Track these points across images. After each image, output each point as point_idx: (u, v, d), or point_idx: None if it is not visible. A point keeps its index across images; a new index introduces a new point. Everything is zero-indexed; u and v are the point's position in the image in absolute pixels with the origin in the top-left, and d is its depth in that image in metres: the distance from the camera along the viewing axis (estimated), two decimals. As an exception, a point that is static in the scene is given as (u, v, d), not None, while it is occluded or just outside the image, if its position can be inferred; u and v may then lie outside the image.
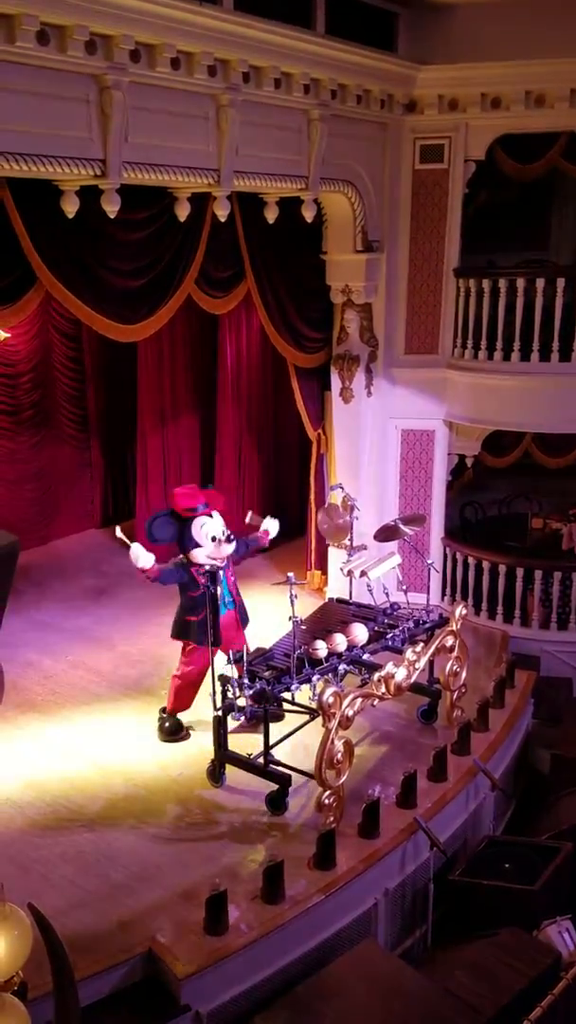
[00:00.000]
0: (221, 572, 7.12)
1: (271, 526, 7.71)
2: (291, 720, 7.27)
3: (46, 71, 5.76)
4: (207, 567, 7.00)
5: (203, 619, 6.95)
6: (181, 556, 7.22)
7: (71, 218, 6.48)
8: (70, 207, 6.41)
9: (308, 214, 8.38)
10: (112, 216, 6.63)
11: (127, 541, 7.07)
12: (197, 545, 7.11)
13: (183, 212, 7.35)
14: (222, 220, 7.66)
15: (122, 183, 6.50)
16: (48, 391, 11.30)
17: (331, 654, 6.84)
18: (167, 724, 7.50)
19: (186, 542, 7.15)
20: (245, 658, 6.72)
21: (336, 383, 9.68)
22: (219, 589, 7.11)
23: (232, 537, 7.18)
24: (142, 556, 7.03)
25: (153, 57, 6.24)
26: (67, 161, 6.08)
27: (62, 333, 11.17)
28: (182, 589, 7.27)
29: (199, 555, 7.10)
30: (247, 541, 7.58)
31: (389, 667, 6.93)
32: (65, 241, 6.84)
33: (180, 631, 7.32)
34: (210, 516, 7.18)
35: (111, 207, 6.54)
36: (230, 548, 7.21)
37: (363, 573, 7.94)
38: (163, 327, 8.14)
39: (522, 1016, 4.61)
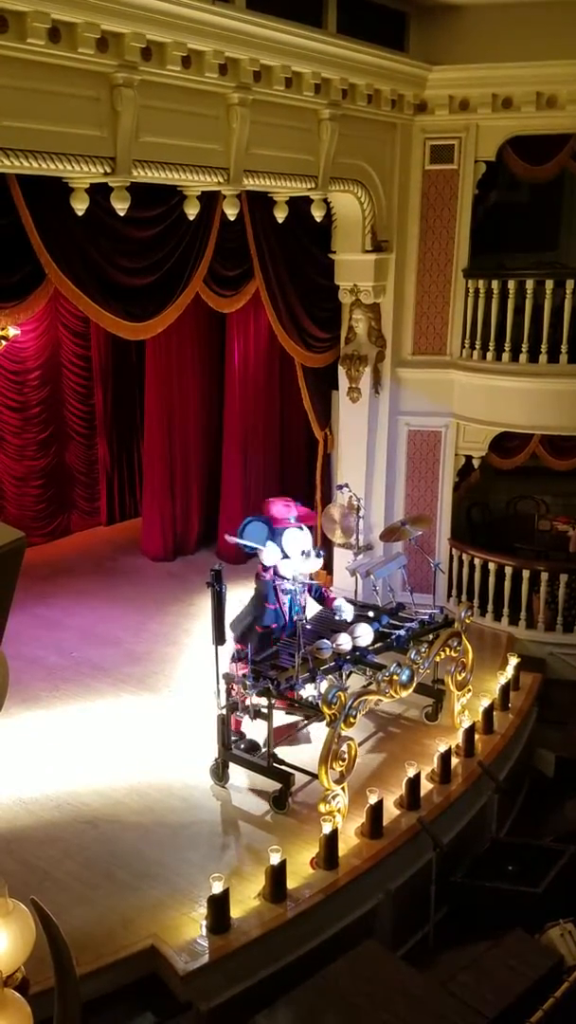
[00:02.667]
0: (294, 589, 7.22)
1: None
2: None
3: (57, 69, 5.77)
4: (288, 584, 7.15)
5: (266, 632, 7.14)
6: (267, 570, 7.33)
7: (81, 215, 6.49)
8: (80, 205, 6.42)
9: (318, 213, 8.37)
10: (122, 214, 6.65)
11: (251, 544, 7.21)
12: (286, 556, 7.21)
13: (193, 210, 7.36)
14: (231, 219, 7.66)
15: (132, 181, 6.51)
16: (56, 388, 11.32)
17: (336, 654, 6.83)
18: (241, 745, 7.08)
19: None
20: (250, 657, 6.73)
21: (343, 383, 9.67)
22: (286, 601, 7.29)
23: (321, 554, 7.37)
24: (271, 555, 7.14)
25: (164, 55, 6.25)
26: (77, 159, 6.09)
27: (70, 330, 11.20)
28: (257, 597, 7.33)
29: (286, 568, 7.20)
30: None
31: (393, 667, 6.93)
32: (74, 238, 6.86)
33: (243, 637, 7.27)
34: (300, 529, 7.29)
35: (121, 205, 6.55)
36: (317, 564, 7.34)
37: (369, 573, 7.94)
38: (171, 325, 8.15)
39: (524, 1018, 4.60)
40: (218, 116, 7.00)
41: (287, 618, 7.30)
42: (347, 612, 7.36)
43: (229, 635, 7.03)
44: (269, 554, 7.13)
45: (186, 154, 6.87)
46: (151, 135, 6.51)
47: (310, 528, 7.44)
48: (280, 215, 8.16)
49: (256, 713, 6.66)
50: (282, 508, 7.34)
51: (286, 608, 7.31)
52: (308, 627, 6.99)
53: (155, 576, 10.77)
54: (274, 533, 7.27)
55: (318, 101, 7.71)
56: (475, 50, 8.65)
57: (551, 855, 6.49)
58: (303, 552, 7.23)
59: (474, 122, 9.05)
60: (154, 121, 6.49)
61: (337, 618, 7.34)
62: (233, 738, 6.84)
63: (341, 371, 9.65)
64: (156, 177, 6.71)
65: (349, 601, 8.15)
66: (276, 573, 7.25)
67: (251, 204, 8.14)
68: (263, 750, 6.72)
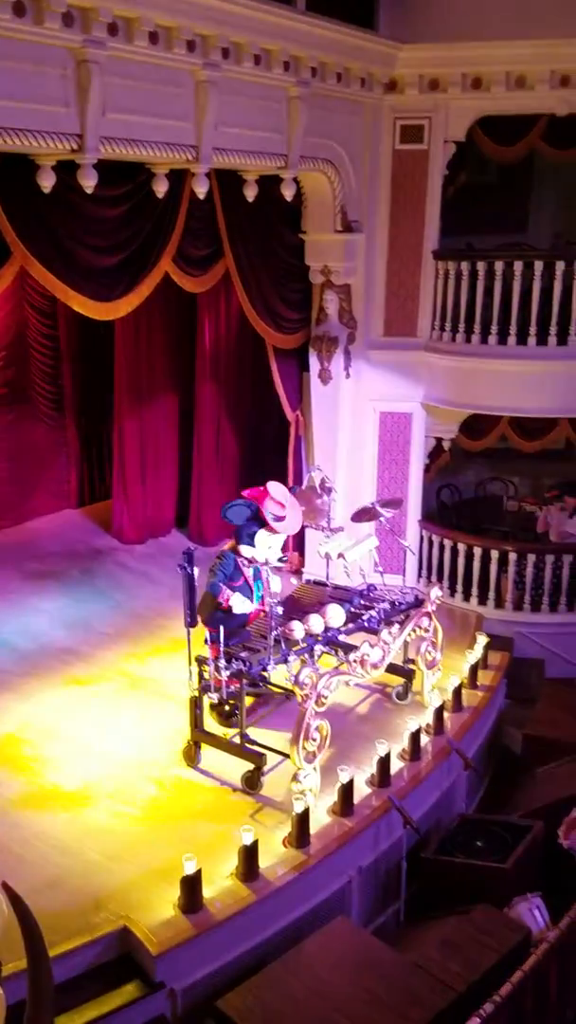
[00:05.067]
0: (263, 570, 7.34)
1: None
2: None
3: (22, 44, 5.65)
4: (249, 562, 7.32)
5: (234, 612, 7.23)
6: (229, 543, 7.49)
7: (47, 193, 6.39)
8: (46, 182, 6.33)
9: (287, 193, 8.32)
10: (89, 192, 6.56)
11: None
12: (251, 544, 7.35)
13: (161, 189, 7.28)
14: (201, 197, 7.59)
15: (99, 158, 6.42)
16: (23, 369, 11.16)
17: (308, 635, 6.87)
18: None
19: (243, 535, 7.38)
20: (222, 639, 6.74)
21: (315, 364, 9.65)
22: (253, 585, 7.45)
23: (284, 559, 7.65)
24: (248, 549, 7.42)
25: (131, 31, 6.15)
26: (43, 135, 5.99)
27: (37, 310, 11.03)
28: (213, 574, 7.37)
29: (247, 551, 7.38)
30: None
31: (364, 648, 6.97)
32: (41, 216, 6.75)
33: (210, 619, 7.28)
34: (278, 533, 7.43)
35: (88, 182, 6.46)
36: (275, 555, 7.52)
37: (340, 555, 7.97)
38: (140, 306, 8.06)
39: (493, 992, 4.68)
40: (186, 93, 6.91)
41: (252, 594, 7.36)
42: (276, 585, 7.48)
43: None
44: (246, 548, 7.34)
45: (154, 131, 6.78)
46: (118, 112, 6.41)
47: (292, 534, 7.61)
48: (250, 194, 8.09)
49: (229, 695, 6.68)
50: (275, 507, 7.38)
51: (252, 582, 7.36)
52: (279, 609, 7.00)
53: (127, 559, 10.72)
54: (254, 522, 7.36)
55: (287, 79, 7.64)
56: (445, 29, 8.61)
57: (519, 831, 6.59)
58: (269, 547, 7.39)
59: (444, 102, 9.01)
60: (122, 98, 6.39)
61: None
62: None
63: (312, 352, 9.63)
64: (123, 154, 6.62)
65: (319, 583, 8.21)
66: (238, 554, 7.41)
67: (221, 183, 8.06)
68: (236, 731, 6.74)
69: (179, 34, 6.43)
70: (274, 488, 7.50)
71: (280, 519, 7.40)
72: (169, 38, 6.43)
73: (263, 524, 7.40)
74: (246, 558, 7.40)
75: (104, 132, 6.35)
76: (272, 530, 7.41)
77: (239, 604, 7.26)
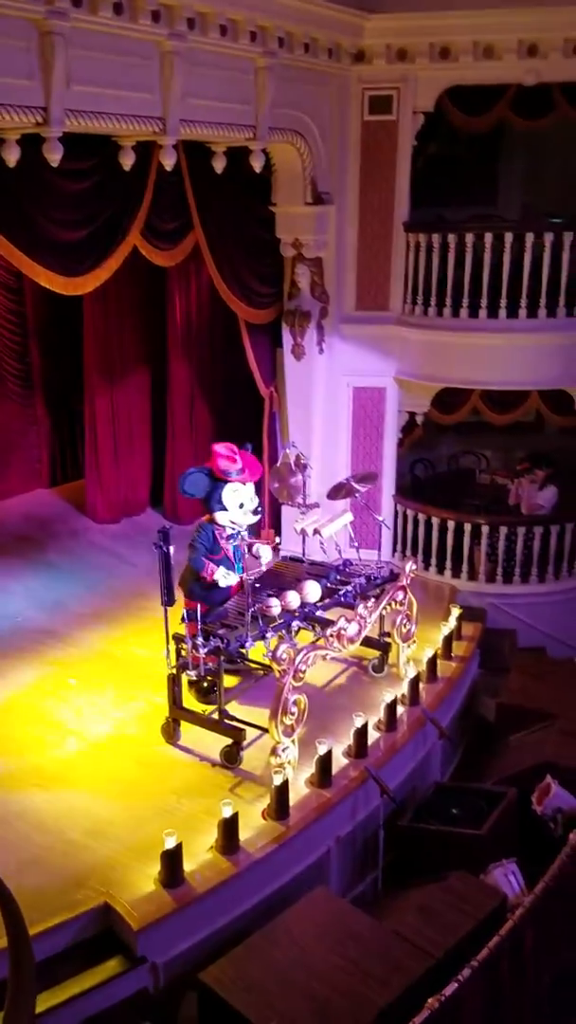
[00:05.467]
0: (236, 540, 7.23)
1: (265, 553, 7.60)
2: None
3: (-18, 13, 5.53)
4: (229, 531, 7.14)
5: (216, 587, 7.15)
6: (205, 516, 7.32)
7: (12, 167, 6.28)
8: (11, 156, 6.21)
9: (256, 164, 8.24)
10: (54, 165, 6.46)
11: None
12: (223, 508, 7.17)
13: (127, 161, 7.18)
14: (168, 170, 7.50)
15: (64, 131, 6.31)
16: (-12, 346, 11.00)
17: (285, 611, 6.89)
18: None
19: (213, 503, 7.22)
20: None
21: (288, 340, 9.61)
22: (232, 557, 7.32)
23: (259, 510, 7.35)
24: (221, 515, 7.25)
25: (95, 2, 6.03)
26: (7, 108, 5.88)
27: (3, 285, 10.83)
28: (195, 549, 7.30)
29: (222, 518, 7.20)
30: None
31: (341, 622, 7.02)
32: (6, 190, 6.63)
33: (191, 592, 7.28)
34: (243, 484, 7.23)
35: (53, 156, 6.36)
36: (254, 519, 7.33)
37: (316, 531, 7.99)
38: (109, 280, 7.97)
39: (470, 957, 4.77)
40: (152, 65, 6.80)
41: (233, 564, 7.33)
42: (265, 554, 7.46)
43: (179, 595, 7.04)
44: (221, 514, 7.21)
45: (120, 103, 6.67)
46: (83, 84, 6.30)
47: (258, 482, 7.40)
48: (218, 166, 8.01)
49: (207, 672, 6.70)
50: (226, 461, 7.22)
51: (231, 553, 7.31)
52: (256, 584, 7.02)
53: (101, 538, 10.66)
54: (216, 485, 7.22)
55: (254, 50, 7.53)
56: (413, -2, 8.54)
57: (493, 798, 6.71)
58: (240, 505, 7.24)
59: (412, 72, 8.94)
60: (86, 70, 6.28)
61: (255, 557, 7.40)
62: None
63: (285, 327, 9.58)
64: (89, 127, 6.52)
65: (295, 559, 8.23)
66: (215, 523, 7.30)
67: (189, 155, 7.96)
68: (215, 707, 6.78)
69: (144, 4, 6.31)
70: (219, 446, 7.34)
71: (240, 470, 7.24)
72: (133, 8, 6.31)
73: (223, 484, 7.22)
74: (225, 525, 7.23)
75: (69, 105, 6.23)
76: (235, 482, 7.22)
77: (223, 577, 7.22)
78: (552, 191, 11.19)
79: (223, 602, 7.23)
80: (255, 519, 7.43)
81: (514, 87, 8.95)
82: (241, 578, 7.29)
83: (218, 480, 7.23)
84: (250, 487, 7.34)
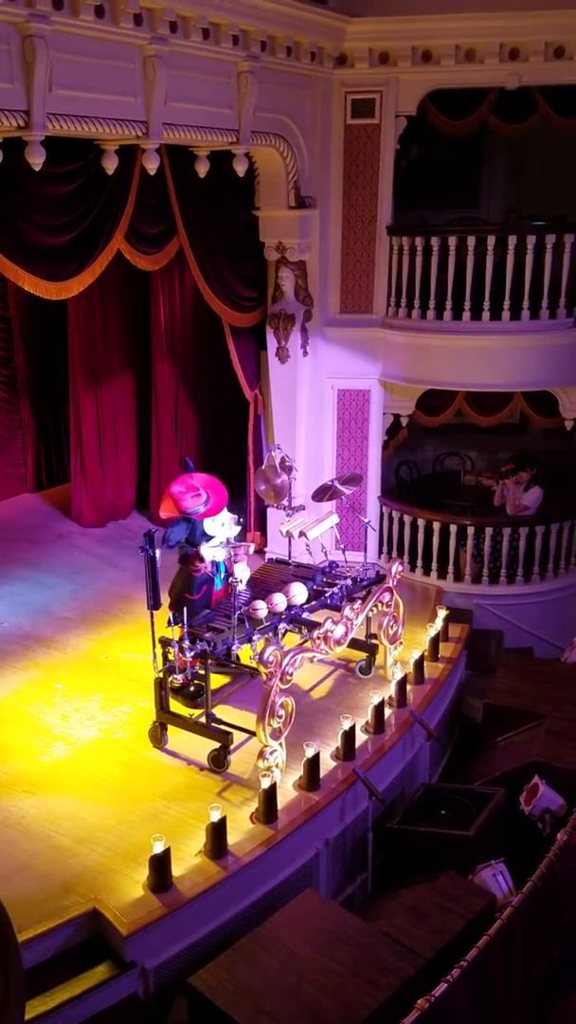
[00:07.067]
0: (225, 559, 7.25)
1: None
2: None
3: (-37, 16, 5.52)
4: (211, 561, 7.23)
5: (202, 597, 7.17)
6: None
7: (-6, 172, 6.28)
8: (-7, 160, 6.20)
9: (240, 168, 8.25)
10: (37, 169, 6.43)
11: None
12: (210, 536, 7.18)
13: (111, 165, 7.18)
14: (151, 173, 7.50)
15: (47, 135, 6.29)
16: (-27, 352, 10.97)
17: (271, 614, 6.89)
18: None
19: (199, 537, 7.21)
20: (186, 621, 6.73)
21: (272, 343, 9.62)
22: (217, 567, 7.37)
23: (240, 520, 7.42)
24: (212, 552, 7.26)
25: (76, 5, 6.02)
26: (-12, 112, 5.86)
27: (-13, 291, 10.84)
28: (184, 562, 7.29)
29: (207, 552, 7.20)
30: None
31: (328, 624, 7.02)
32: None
33: (177, 604, 7.23)
34: (211, 518, 7.19)
35: (35, 160, 6.34)
36: (236, 529, 7.34)
37: (302, 533, 8.00)
38: (94, 285, 7.96)
39: (460, 957, 4.78)
40: (135, 68, 6.80)
41: (213, 577, 7.32)
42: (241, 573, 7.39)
43: (165, 599, 7.02)
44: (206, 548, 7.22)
45: (102, 107, 6.66)
46: (65, 88, 6.29)
47: (226, 502, 7.37)
48: (201, 170, 8.01)
49: (193, 676, 6.69)
50: (189, 500, 7.08)
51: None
52: (242, 589, 7.02)
53: (87, 542, 10.64)
54: (194, 523, 7.17)
55: (236, 53, 7.55)
56: (394, 2, 8.56)
57: (481, 799, 6.72)
58: (221, 524, 7.25)
59: (394, 75, 8.98)
60: (68, 73, 6.27)
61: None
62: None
63: (269, 330, 9.59)
64: (71, 131, 6.50)
65: (281, 561, 8.23)
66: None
67: (172, 159, 7.96)
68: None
69: (125, 7, 6.31)
70: (176, 487, 7.18)
71: (206, 502, 7.15)
72: (115, 11, 6.31)
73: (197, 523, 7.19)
74: (208, 560, 7.22)
75: (51, 108, 6.22)
76: (202, 515, 7.15)
77: (209, 552, 7.16)
78: (534, 194, 11.28)
79: (205, 608, 7.21)
80: (238, 529, 7.43)
81: (496, 90, 9.01)
82: (226, 584, 7.28)
83: (191, 521, 7.17)
84: (223, 513, 7.28)
